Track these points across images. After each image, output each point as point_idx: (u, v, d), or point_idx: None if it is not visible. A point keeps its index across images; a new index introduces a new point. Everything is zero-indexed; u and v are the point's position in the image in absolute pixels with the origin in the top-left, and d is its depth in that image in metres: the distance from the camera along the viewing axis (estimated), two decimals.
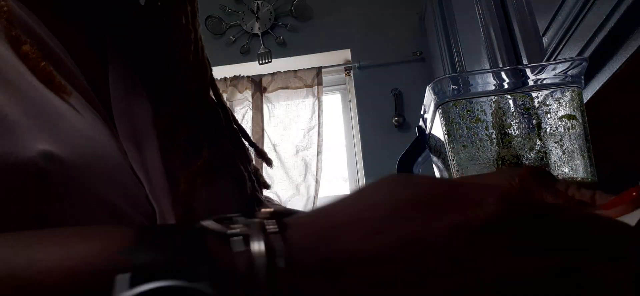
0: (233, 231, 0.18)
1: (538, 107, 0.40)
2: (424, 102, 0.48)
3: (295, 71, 2.44)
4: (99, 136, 0.29)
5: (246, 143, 0.48)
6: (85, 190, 0.26)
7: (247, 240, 0.17)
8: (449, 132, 0.42)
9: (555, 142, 0.39)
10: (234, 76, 2.45)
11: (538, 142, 0.40)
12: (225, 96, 2.12)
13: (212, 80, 0.46)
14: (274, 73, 2.44)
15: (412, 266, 0.18)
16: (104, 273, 0.16)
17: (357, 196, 0.21)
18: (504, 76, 0.42)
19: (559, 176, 0.38)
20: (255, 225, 0.18)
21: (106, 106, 0.34)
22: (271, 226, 0.18)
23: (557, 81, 0.40)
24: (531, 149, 0.39)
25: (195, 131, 0.41)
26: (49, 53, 0.31)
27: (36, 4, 0.34)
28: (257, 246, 0.17)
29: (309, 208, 2.21)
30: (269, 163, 0.50)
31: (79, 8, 0.39)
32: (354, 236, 0.18)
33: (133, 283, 0.15)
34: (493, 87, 0.42)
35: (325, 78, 2.46)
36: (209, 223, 0.18)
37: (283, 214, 0.19)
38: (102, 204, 0.27)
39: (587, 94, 0.77)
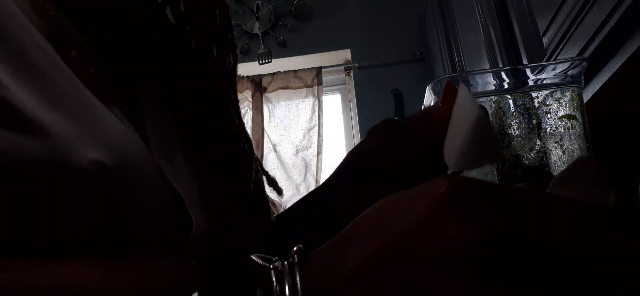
0: (272, 266, 0.23)
1: (538, 107, 0.40)
2: (424, 102, 0.48)
3: (295, 71, 2.44)
4: (137, 144, 0.30)
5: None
6: (128, 198, 0.26)
7: (280, 275, 0.23)
8: None
9: (555, 142, 0.39)
10: None
11: (538, 142, 0.40)
12: None
13: (237, 108, 0.46)
14: (274, 73, 2.44)
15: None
16: (188, 285, 0.22)
17: (351, 230, 0.24)
18: (504, 76, 0.42)
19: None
20: (286, 265, 0.23)
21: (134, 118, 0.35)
22: (295, 262, 0.23)
23: (557, 81, 0.40)
24: (531, 149, 0.40)
25: (222, 151, 0.42)
26: (92, 61, 0.31)
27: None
28: (287, 281, 0.22)
29: None
30: (280, 192, 0.51)
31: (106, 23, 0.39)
32: (344, 280, 0.22)
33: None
34: (493, 87, 0.42)
35: (325, 78, 2.46)
36: (255, 258, 0.24)
37: (305, 253, 0.24)
38: (143, 214, 0.27)
39: (587, 94, 0.77)
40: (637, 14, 0.62)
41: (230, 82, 0.44)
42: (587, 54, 0.74)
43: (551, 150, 0.40)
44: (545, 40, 0.92)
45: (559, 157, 0.39)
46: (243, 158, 0.45)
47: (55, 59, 0.27)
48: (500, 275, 0.18)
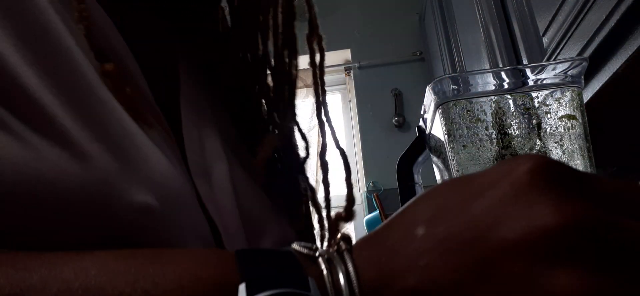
0: (319, 253, 0.21)
1: (538, 107, 0.40)
2: (424, 102, 0.48)
3: None
4: (180, 178, 0.27)
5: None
6: (168, 241, 0.24)
7: (329, 261, 0.20)
8: (449, 132, 0.42)
9: (555, 142, 0.39)
10: None
11: (538, 142, 0.40)
12: None
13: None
14: None
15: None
16: (227, 284, 0.19)
17: (406, 217, 0.21)
18: (504, 76, 0.42)
19: None
20: (334, 251, 0.21)
21: (174, 123, 0.32)
22: (344, 249, 0.21)
23: (557, 81, 0.40)
24: (531, 149, 0.40)
25: (272, 166, 0.39)
26: (129, 75, 0.28)
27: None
28: (340, 267, 0.20)
29: None
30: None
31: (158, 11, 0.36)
32: (407, 264, 0.19)
33: (253, 292, 0.18)
34: (493, 87, 0.42)
35: (325, 78, 2.46)
36: (297, 246, 0.22)
37: (349, 239, 0.22)
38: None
39: (587, 94, 0.77)
40: (637, 14, 0.62)
41: (285, 85, 0.41)
42: (587, 54, 0.74)
43: (551, 150, 0.40)
44: (545, 40, 0.92)
45: (559, 157, 0.39)
46: (290, 171, 0.41)
47: (97, 75, 0.24)
48: (596, 262, 0.17)
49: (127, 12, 0.33)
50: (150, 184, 0.23)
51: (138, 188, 0.22)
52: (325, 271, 0.20)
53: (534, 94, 0.41)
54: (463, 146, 0.42)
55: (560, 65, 0.40)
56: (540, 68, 0.41)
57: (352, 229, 2.35)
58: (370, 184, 2.21)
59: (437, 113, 0.44)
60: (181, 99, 0.34)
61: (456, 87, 0.43)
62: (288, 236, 0.37)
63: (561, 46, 0.84)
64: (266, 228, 0.35)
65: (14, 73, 0.21)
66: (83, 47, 0.25)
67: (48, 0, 0.23)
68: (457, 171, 0.42)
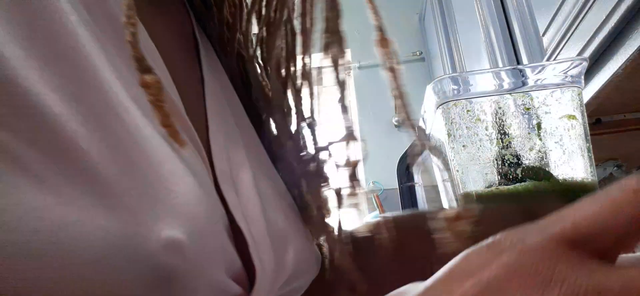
0: None
1: (538, 107, 0.40)
2: (424, 102, 0.48)
3: None
4: (209, 201, 0.26)
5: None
6: (197, 274, 0.23)
7: None
8: (449, 132, 0.43)
9: (555, 142, 0.39)
10: None
11: (538, 142, 0.40)
12: None
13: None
14: None
15: None
16: None
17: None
18: (504, 76, 0.42)
19: (558, 176, 0.38)
20: None
21: (199, 125, 0.30)
22: None
23: (557, 81, 0.40)
24: (531, 149, 0.40)
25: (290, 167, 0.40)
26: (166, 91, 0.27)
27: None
28: None
29: None
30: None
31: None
32: None
33: None
34: (493, 87, 0.42)
35: (325, 77, 2.46)
36: None
37: None
38: (208, 285, 0.24)
39: (587, 94, 0.77)
40: (637, 14, 0.62)
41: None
42: (587, 54, 0.74)
43: (551, 150, 0.40)
44: (545, 40, 0.92)
45: (559, 157, 0.40)
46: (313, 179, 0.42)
47: (126, 95, 0.23)
48: None
49: (153, 15, 0.32)
50: (178, 218, 0.22)
51: (164, 218, 0.21)
52: None
53: (534, 94, 0.41)
54: (463, 146, 0.42)
55: (560, 65, 0.40)
56: (540, 68, 0.41)
57: None
58: (371, 184, 2.21)
59: (437, 113, 0.44)
60: (207, 103, 0.33)
61: (456, 87, 0.43)
62: (308, 245, 0.37)
63: (561, 46, 0.85)
64: (289, 237, 0.35)
65: (37, 101, 0.19)
66: (123, 56, 0.23)
67: (77, 16, 0.22)
68: (457, 170, 0.42)
